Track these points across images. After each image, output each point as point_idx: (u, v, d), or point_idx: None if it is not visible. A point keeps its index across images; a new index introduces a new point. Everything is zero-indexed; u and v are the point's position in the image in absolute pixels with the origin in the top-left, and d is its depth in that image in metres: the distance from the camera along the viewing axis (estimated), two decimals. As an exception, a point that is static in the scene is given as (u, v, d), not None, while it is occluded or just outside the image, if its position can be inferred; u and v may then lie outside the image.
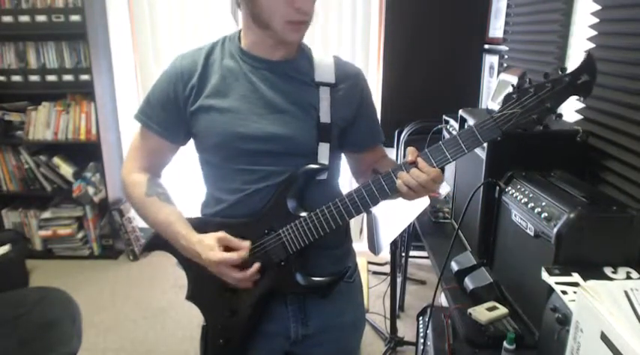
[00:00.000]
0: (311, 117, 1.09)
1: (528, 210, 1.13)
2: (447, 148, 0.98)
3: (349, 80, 1.15)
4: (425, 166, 0.98)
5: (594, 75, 0.93)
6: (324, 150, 1.10)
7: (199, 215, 1.18)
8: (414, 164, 0.99)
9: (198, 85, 1.08)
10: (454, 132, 1.79)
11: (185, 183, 1.24)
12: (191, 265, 1.12)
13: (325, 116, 1.10)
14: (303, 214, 1.06)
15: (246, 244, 1.06)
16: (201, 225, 1.11)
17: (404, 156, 2.72)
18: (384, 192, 1.01)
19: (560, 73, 0.94)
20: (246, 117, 1.06)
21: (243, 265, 1.05)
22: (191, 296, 1.20)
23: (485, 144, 1.31)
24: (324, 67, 1.13)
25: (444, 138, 2.07)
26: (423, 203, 1.73)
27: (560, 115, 0.97)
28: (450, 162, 0.99)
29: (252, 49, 1.09)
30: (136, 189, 1.14)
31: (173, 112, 1.10)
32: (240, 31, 1.12)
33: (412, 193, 1.00)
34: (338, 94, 1.12)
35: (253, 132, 1.06)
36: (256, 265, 1.07)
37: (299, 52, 1.13)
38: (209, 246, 1.04)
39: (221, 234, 1.06)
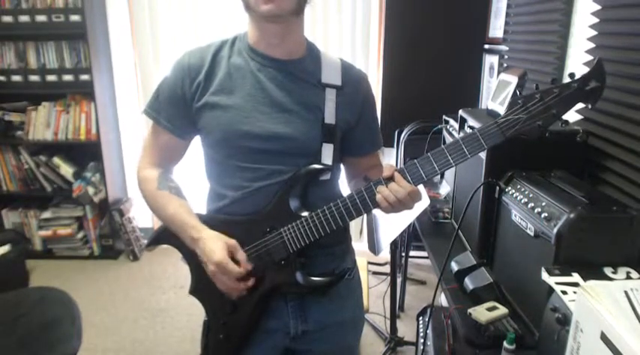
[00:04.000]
0: (316, 117, 1.10)
1: (528, 210, 1.13)
2: (435, 159, 0.98)
3: (354, 84, 1.16)
4: (401, 181, 0.99)
5: (603, 81, 0.91)
6: (327, 151, 1.11)
7: (204, 210, 1.19)
8: (391, 179, 1.00)
9: (205, 81, 1.09)
10: (454, 132, 1.79)
11: (191, 178, 1.25)
12: (196, 260, 1.12)
13: (330, 117, 1.11)
14: (305, 214, 1.07)
15: (248, 264, 1.07)
16: (205, 222, 1.11)
17: (404, 156, 2.74)
18: (368, 205, 1.03)
19: (569, 78, 0.93)
20: (250, 115, 1.07)
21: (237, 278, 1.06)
22: (194, 291, 1.20)
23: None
24: (331, 69, 1.14)
25: (444, 138, 2.07)
26: (423, 203, 1.73)
27: (567, 122, 0.96)
28: (437, 173, 0.99)
29: (258, 46, 1.10)
30: (148, 184, 1.15)
31: (181, 108, 1.11)
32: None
33: (390, 208, 1.01)
34: (343, 97, 1.13)
35: (257, 131, 1.06)
36: (250, 282, 1.07)
37: (307, 53, 1.14)
38: (217, 245, 1.04)
39: (233, 241, 1.07)
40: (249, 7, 1.03)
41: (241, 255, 1.06)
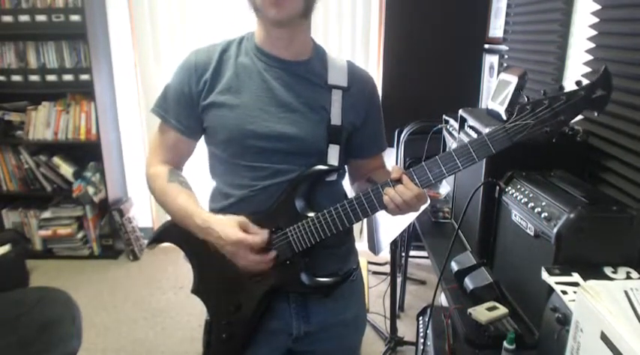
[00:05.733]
0: (321, 118, 1.10)
1: (528, 210, 1.13)
2: (443, 162, 0.98)
3: (361, 86, 1.16)
4: (409, 183, 0.99)
5: (610, 89, 0.93)
6: (333, 152, 1.11)
7: (207, 209, 1.18)
8: (399, 181, 1.00)
9: (211, 80, 1.09)
10: (454, 132, 1.79)
11: (195, 177, 1.26)
12: (199, 258, 1.12)
13: (336, 118, 1.11)
14: (311, 214, 1.07)
15: (265, 231, 1.06)
16: None
17: (404, 156, 2.74)
18: (375, 206, 1.03)
19: (576, 85, 0.94)
20: (256, 114, 1.07)
21: (258, 251, 1.05)
22: (196, 290, 1.20)
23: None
24: (337, 70, 1.14)
25: (444, 138, 2.07)
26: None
27: (573, 128, 0.97)
28: (445, 177, 1.00)
29: (265, 46, 1.10)
30: (157, 179, 1.15)
31: (188, 107, 1.12)
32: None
33: (397, 210, 1.02)
34: (349, 98, 1.13)
35: (263, 130, 1.07)
36: (273, 252, 1.06)
37: (313, 54, 1.14)
38: (229, 225, 1.04)
39: (241, 217, 1.06)
40: (256, 10, 1.04)
41: (254, 228, 1.05)
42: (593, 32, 1.56)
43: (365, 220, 1.12)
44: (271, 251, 1.07)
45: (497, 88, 1.52)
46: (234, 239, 1.02)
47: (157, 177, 1.16)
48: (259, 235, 1.04)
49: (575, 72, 1.75)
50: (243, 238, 1.02)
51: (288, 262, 1.09)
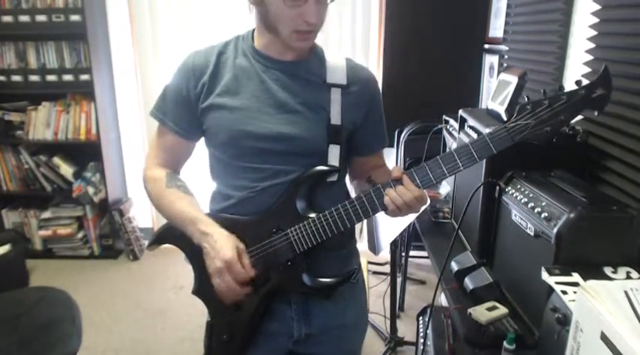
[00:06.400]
0: (321, 118, 1.10)
1: (528, 210, 1.13)
2: (444, 162, 0.99)
3: (360, 83, 1.16)
4: (410, 184, 0.99)
5: (610, 89, 0.93)
6: (334, 152, 1.11)
7: (207, 210, 1.19)
8: (399, 181, 1.00)
9: (209, 82, 1.09)
10: (454, 132, 1.79)
11: (195, 179, 1.26)
12: (199, 259, 1.12)
13: (336, 118, 1.11)
14: (312, 215, 1.07)
15: (252, 272, 1.06)
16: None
17: (404, 156, 2.74)
18: (376, 207, 1.03)
19: (576, 85, 0.94)
20: (256, 115, 1.07)
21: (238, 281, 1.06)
22: (197, 291, 1.20)
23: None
24: (335, 69, 1.14)
25: (444, 138, 2.07)
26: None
27: (574, 128, 0.97)
28: (446, 177, 1.00)
29: (265, 50, 1.11)
30: (155, 183, 1.15)
31: (186, 109, 1.12)
32: (253, 31, 1.14)
33: (397, 211, 1.02)
34: (349, 96, 1.13)
35: (262, 131, 1.07)
36: (249, 288, 1.07)
37: (311, 53, 1.15)
38: (228, 243, 1.04)
39: (242, 245, 1.07)
40: (276, 33, 1.05)
41: (246, 260, 1.06)
42: (593, 32, 1.56)
43: (365, 220, 1.12)
44: (249, 287, 1.07)
45: (497, 88, 1.52)
46: (226, 257, 1.02)
47: (155, 181, 1.16)
48: (248, 271, 1.05)
49: (575, 72, 1.75)
50: (234, 262, 1.02)
51: (289, 263, 1.09)
